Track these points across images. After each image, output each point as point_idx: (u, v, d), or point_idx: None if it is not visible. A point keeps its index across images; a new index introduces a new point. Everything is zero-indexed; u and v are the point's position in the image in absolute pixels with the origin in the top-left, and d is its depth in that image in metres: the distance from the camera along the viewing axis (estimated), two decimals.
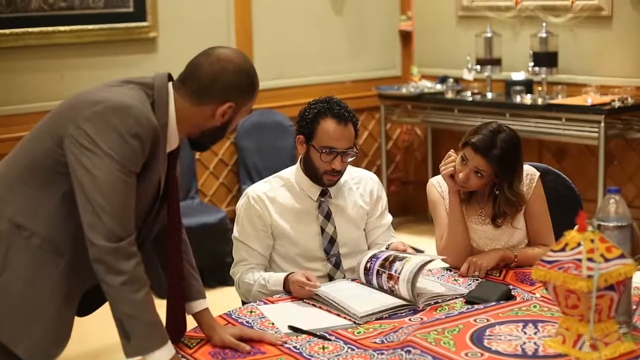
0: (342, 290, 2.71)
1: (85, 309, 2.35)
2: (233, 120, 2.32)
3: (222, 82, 2.25)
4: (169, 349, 2.17)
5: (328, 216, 2.99)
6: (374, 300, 2.61)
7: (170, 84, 2.28)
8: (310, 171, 2.96)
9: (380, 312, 2.56)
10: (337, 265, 2.99)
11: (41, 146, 2.20)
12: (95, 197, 2.09)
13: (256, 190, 2.99)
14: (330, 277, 2.97)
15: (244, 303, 2.96)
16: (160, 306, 2.21)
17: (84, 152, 2.10)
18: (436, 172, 3.07)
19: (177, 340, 2.38)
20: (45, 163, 2.18)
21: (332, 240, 2.99)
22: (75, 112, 2.16)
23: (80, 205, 2.11)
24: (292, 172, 3.03)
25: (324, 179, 2.95)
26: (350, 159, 2.93)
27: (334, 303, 2.62)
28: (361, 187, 3.09)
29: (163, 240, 2.40)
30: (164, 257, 2.40)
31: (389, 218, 3.15)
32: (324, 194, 3.00)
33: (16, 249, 2.18)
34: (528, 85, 5.63)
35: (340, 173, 2.95)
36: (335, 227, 3.00)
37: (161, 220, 2.37)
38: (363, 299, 2.63)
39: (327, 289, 2.70)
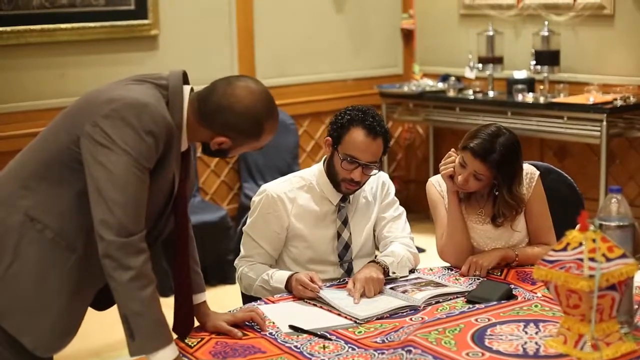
0: (343, 298, 2.68)
1: (104, 302, 2.37)
2: (231, 151, 2.34)
3: (223, 117, 2.26)
4: (172, 349, 2.18)
5: (345, 222, 2.95)
6: (374, 308, 2.60)
7: (186, 88, 2.29)
8: (331, 175, 2.91)
9: (381, 313, 2.55)
10: (349, 271, 2.95)
11: (57, 143, 2.22)
12: (109, 193, 2.11)
13: (276, 189, 2.92)
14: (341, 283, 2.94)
15: (244, 296, 2.95)
16: (165, 304, 2.21)
17: (100, 149, 2.12)
18: (437, 170, 3.06)
19: (184, 335, 2.42)
20: (61, 160, 2.20)
21: (347, 246, 2.95)
22: (91, 109, 2.18)
23: (92, 201, 2.13)
24: (314, 174, 2.97)
25: (342, 187, 2.89)
26: (372, 173, 2.88)
27: (334, 307, 2.61)
28: (373, 186, 3.03)
29: (171, 237, 2.42)
30: (172, 254, 2.43)
31: (394, 212, 3.06)
32: (344, 199, 2.95)
33: (28, 241, 2.21)
34: (530, 84, 5.63)
35: (359, 184, 2.88)
36: (351, 233, 2.96)
37: (173, 220, 2.39)
38: (364, 305, 2.62)
39: (329, 295, 2.68)
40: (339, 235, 2.94)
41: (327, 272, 2.92)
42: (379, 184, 3.05)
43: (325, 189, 2.94)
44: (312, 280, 2.70)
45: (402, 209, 3.11)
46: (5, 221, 2.21)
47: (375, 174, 2.90)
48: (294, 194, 2.93)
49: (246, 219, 3.01)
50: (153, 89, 2.24)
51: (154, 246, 2.37)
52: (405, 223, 3.09)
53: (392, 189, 3.10)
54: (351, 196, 2.96)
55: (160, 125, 2.17)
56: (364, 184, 2.91)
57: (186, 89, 2.29)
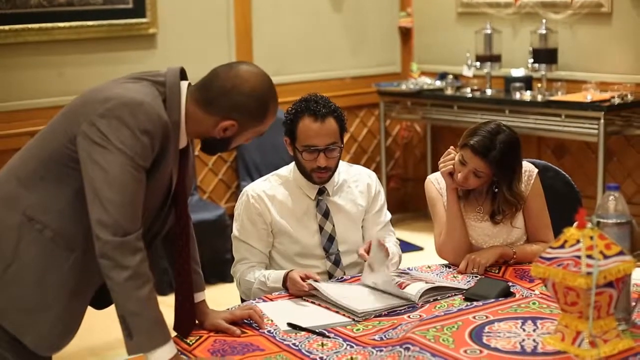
0: (341, 293, 2.68)
1: (103, 301, 2.38)
2: (236, 138, 2.33)
3: (229, 99, 2.26)
4: (170, 347, 2.18)
5: (326, 214, 2.99)
6: (371, 302, 2.61)
7: (183, 83, 2.29)
8: (301, 170, 2.96)
9: (379, 310, 2.56)
10: (337, 263, 2.98)
11: (55, 142, 2.22)
12: (105, 192, 2.11)
13: (255, 188, 2.99)
14: (330, 275, 2.97)
15: (243, 301, 2.96)
16: (162, 303, 2.21)
17: (96, 149, 2.13)
18: (435, 168, 3.07)
19: (185, 334, 2.42)
20: (60, 159, 2.21)
21: (331, 239, 2.98)
22: (87, 109, 2.18)
23: (89, 201, 2.13)
24: (290, 171, 3.02)
25: (313, 177, 2.93)
26: (336, 154, 2.91)
27: (332, 301, 2.61)
28: (359, 184, 3.07)
29: (172, 236, 2.42)
30: (172, 253, 2.43)
31: (387, 216, 3.13)
32: (321, 192, 2.99)
33: (28, 241, 2.21)
34: (527, 82, 5.63)
35: (328, 169, 2.92)
36: (334, 226, 2.99)
37: (173, 218, 2.39)
38: (363, 300, 2.62)
39: (327, 288, 2.68)
40: (321, 228, 2.97)
41: (315, 265, 2.95)
42: (365, 187, 3.07)
43: (301, 184, 2.98)
44: (307, 277, 2.71)
45: (389, 213, 3.16)
46: (5, 221, 2.22)
47: (339, 154, 2.92)
48: (273, 191, 2.98)
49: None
50: (150, 86, 2.23)
51: (152, 245, 2.37)
52: (389, 224, 3.14)
53: (381, 189, 3.13)
54: (329, 189, 2.99)
55: (157, 123, 2.16)
56: (335, 167, 2.95)
57: (184, 84, 2.28)
